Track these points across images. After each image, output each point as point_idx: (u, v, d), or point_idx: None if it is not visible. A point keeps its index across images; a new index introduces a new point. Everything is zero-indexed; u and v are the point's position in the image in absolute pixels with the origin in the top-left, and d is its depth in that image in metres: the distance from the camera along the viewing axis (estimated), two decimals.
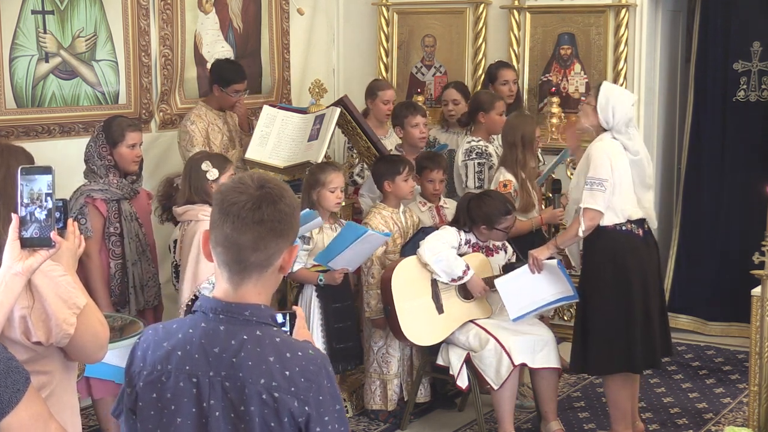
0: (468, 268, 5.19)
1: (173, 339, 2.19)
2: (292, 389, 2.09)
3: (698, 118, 7.25)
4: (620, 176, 4.84)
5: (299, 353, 2.13)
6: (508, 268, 5.28)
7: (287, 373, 2.09)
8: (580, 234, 4.86)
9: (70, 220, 2.58)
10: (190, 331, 2.17)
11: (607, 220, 4.88)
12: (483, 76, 6.96)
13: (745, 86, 7.09)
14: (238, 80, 6.03)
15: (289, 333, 2.29)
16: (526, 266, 5.12)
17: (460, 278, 5.19)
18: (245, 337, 2.13)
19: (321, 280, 5.15)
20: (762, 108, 7.06)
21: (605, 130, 4.90)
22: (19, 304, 2.49)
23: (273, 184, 2.18)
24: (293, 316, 2.33)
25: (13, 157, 2.71)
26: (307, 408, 2.08)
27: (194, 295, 4.60)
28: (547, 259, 5.09)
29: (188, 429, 2.15)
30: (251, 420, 2.09)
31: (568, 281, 5.08)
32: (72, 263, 2.61)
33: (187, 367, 2.15)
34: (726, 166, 7.16)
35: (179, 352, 2.16)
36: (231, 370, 2.11)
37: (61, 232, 2.53)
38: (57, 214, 2.49)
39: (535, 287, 5.12)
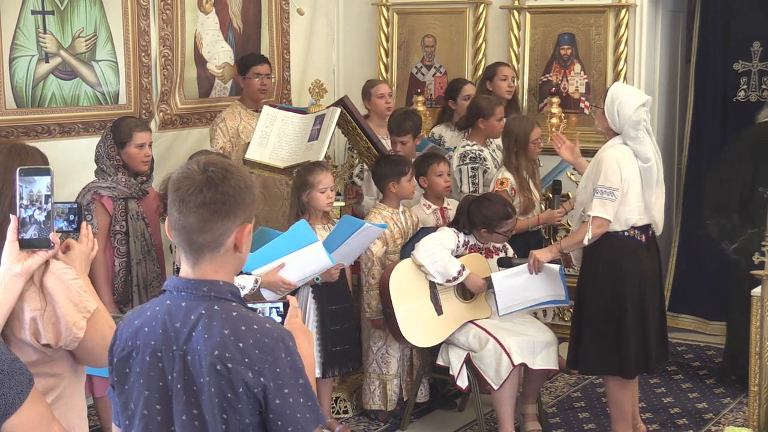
0: (463, 268, 5.18)
1: (143, 316, 2.28)
2: (246, 360, 2.14)
3: (698, 118, 7.25)
4: (628, 185, 4.81)
5: (255, 326, 2.18)
6: (503, 261, 5.27)
7: (241, 345, 2.15)
8: (585, 242, 4.84)
9: (84, 223, 2.60)
10: (157, 308, 2.26)
11: (609, 228, 4.86)
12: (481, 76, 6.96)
13: (745, 86, 7.09)
14: (256, 62, 6.15)
15: (281, 322, 2.34)
16: (524, 265, 5.11)
17: (455, 279, 5.18)
18: (203, 311, 2.20)
19: (317, 279, 5.11)
20: (761, 108, 7.05)
21: (617, 134, 4.88)
22: (31, 306, 2.50)
23: (217, 166, 2.23)
24: (286, 306, 2.39)
25: (30, 157, 2.71)
26: (262, 379, 2.14)
27: None
28: (549, 262, 5.08)
29: (155, 402, 2.23)
30: (208, 391, 2.16)
31: (564, 286, 5.06)
32: (85, 266, 2.63)
33: (152, 343, 2.23)
34: None
35: (146, 329, 2.25)
36: (189, 344, 2.19)
37: (75, 235, 2.56)
38: (71, 217, 2.54)
39: (529, 286, 5.12)
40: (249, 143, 5.72)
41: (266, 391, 2.13)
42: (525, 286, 5.12)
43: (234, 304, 2.24)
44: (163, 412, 2.21)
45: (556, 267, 5.07)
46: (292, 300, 2.42)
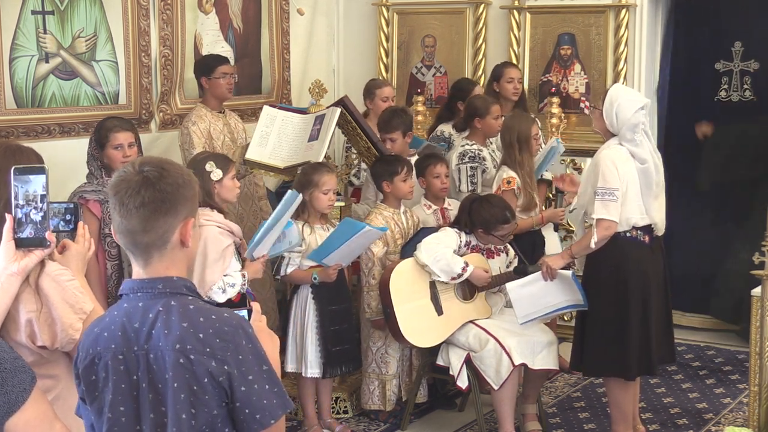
0: (467, 264, 5.19)
1: (102, 323, 2.29)
2: (207, 350, 2.16)
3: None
4: (626, 184, 4.78)
5: (213, 317, 2.21)
6: (519, 271, 5.25)
7: (201, 335, 2.17)
8: (592, 245, 4.79)
9: (80, 224, 2.61)
10: (115, 313, 2.27)
11: None
12: (484, 76, 6.94)
13: (726, 86, 7.08)
14: (220, 62, 5.99)
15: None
16: (538, 273, 5.08)
17: (460, 275, 5.18)
18: (160, 308, 2.22)
19: (315, 278, 5.10)
20: (743, 108, 7.04)
21: (614, 135, 4.86)
22: (27, 308, 2.51)
23: (153, 165, 2.25)
24: (250, 313, 2.44)
25: (25, 158, 2.72)
26: (226, 367, 2.16)
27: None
28: (562, 268, 5.06)
29: (119, 404, 2.23)
30: (173, 387, 2.17)
31: (580, 291, 5.01)
32: (81, 267, 2.64)
33: (113, 346, 2.23)
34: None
35: (105, 334, 2.25)
36: (150, 342, 2.20)
37: (72, 235, 2.56)
38: (68, 217, 2.55)
39: (546, 293, 5.08)
40: (248, 143, 5.71)
41: (231, 378, 2.15)
42: (541, 293, 5.08)
43: (190, 297, 2.26)
44: (128, 413, 2.22)
45: (569, 273, 5.03)
46: (256, 306, 2.46)
